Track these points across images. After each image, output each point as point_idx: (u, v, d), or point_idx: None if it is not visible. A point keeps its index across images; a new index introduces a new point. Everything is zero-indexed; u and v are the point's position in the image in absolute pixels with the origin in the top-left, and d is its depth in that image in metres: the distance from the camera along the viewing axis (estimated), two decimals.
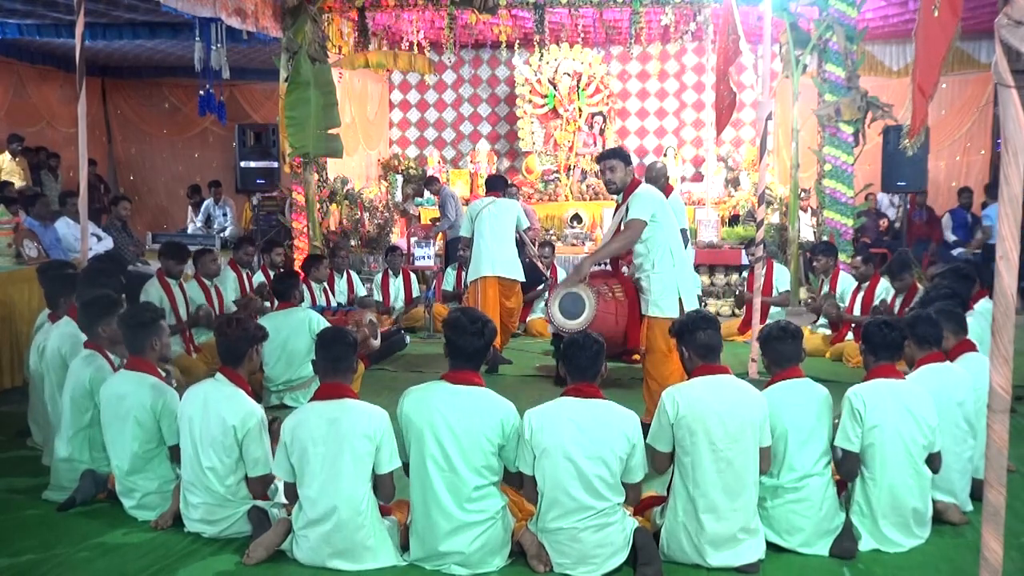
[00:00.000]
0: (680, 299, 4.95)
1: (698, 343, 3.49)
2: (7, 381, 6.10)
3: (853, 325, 7.00)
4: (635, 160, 9.85)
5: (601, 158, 5.27)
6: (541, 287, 8.40)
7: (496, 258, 6.87)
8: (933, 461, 3.59)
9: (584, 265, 5.29)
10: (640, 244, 5.04)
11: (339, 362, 3.48)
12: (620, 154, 5.22)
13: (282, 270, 7.49)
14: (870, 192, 10.66)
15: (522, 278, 7.11)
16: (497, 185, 7.38)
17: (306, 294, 7.04)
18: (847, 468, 3.54)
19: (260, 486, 3.65)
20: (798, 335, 3.65)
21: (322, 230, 9.51)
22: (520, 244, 7.37)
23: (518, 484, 3.41)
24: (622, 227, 5.12)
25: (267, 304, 7.10)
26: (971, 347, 4.17)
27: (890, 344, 3.66)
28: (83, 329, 4.35)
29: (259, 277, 7.49)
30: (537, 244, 8.71)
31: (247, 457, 3.59)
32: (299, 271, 7.13)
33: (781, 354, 3.63)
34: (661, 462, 3.47)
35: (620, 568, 3.30)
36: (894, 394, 3.55)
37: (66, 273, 5.00)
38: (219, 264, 6.84)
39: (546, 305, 5.90)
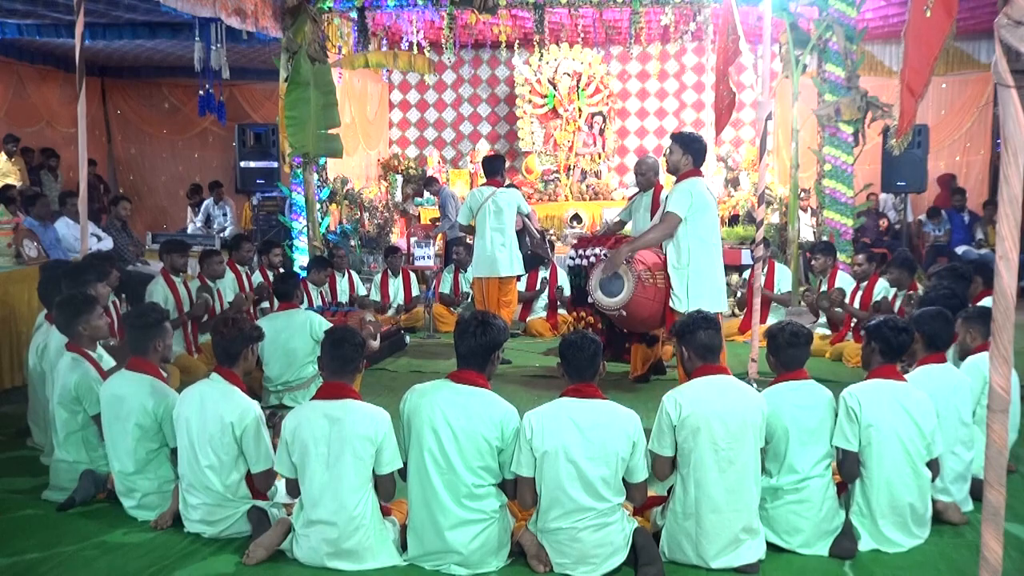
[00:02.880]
0: (687, 295, 5.07)
1: (698, 343, 3.48)
2: (7, 381, 6.10)
3: (853, 325, 7.00)
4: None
5: (670, 137, 5.45)
6: (539, 288, 8.41)
7: (498, 259, 6.96)
8: (930, 468, 3.58)
9: (621, 252, 5.37)
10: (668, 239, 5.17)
11: (348, 363, 3.48)
12: (682, 139, 5.30)
13: (281, 271, 7.49)
14: (872, 192, 10.66)
15: (520, 271, 7.19)
16: (495, 169, 7.18)
17: (304, 295, 7.05)
18: (847, 468, 3.54)
19: (263, 481, 3.65)
20: (810, 340, 3.67)
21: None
22: (520, 232, 7.37)
23: (511, 492, 3.37)
24: (661, 218, 5.21)
25: (266, 304, 7.11)
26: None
27: (899, 347, 3.67)
28: (61, 329, 4.33)
29: (257, 278, 7.49)
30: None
31: (248, 454, 3.59)
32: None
33: (794, 358, 3.63)
34: (663, 467, 3.43)
35: (620, 568, 3.29)
36: (892, 394, 3.54)
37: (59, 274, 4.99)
38: (224, 266, 6.84)
39: (585, 287, 5.97)
